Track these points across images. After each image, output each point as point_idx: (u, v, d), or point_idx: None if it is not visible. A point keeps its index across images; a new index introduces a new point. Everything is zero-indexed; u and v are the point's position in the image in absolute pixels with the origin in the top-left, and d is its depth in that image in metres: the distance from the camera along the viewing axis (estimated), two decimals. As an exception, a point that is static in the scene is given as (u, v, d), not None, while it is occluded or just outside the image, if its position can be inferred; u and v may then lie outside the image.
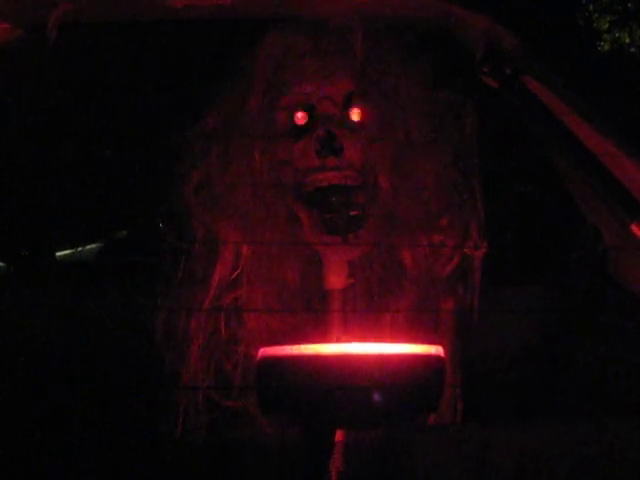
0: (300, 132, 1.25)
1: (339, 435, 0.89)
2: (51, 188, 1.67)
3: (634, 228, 1.29)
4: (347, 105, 1.26)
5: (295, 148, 1.25)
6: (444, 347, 0.87)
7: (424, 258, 1.29)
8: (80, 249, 1.96)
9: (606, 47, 6.88)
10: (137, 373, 1.28)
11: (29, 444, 1.08)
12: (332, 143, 1.20)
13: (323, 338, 1.17)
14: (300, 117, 1.26)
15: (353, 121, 1.26)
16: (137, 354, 1.30)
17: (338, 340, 1.15)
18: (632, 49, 6.88)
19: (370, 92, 1.27)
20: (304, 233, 1.26)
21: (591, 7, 6.88)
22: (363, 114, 1.26)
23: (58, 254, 1.94)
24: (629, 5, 6.88)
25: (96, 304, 1.46)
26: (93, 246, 2.07)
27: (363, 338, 1.11)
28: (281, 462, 0.96)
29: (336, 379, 0.83)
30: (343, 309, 1.23)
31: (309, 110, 1.26)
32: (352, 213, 1.21)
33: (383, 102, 1.28)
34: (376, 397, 0.83)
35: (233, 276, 1.28)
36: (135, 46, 1.52)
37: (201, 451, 1.15)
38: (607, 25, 6.90)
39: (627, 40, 6.92)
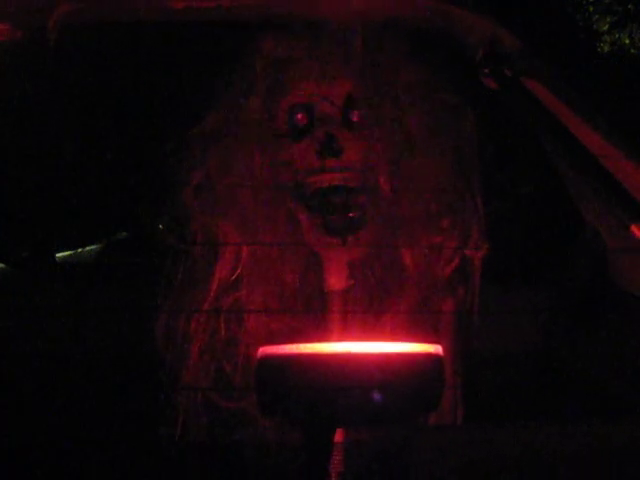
0: (300, 133, 1.25)
1: (339, 435, 0.89)
2: (52, 189, 1.67)
3: (634, 229, 1.29)
4: (347, 106, 1.26)
5: (295, 149, 1.25)
6: (444, 348, 0.87)
7: (424, 259, 1.29)
8: (80, 250, 1.96)
9: (606, 48, 6.88)
10: (137, 374, 1.28)
11: (29, 445, 1.08)
12: (332, 144, 1.20)
13: (323, 339, 1.17)
14: (300, 118, 1.26)
15: (353, 122, 1.26)
16: (137, 355, 1.30)
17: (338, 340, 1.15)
18: (632, 50, 6.88)
19: (370, 93, 1.27)
20: (304, 234, 1.26)
21: (591, 8, 6.88)
22: (363, 115, 1.26)
23: (58, 255, 1.94)
24: (629, 6, 6.88)
25: (96, 305, 1.46)
26: (93, 247, 2.07)
27: (363, 339, 1.11)
28: (281, 462, 0.96)
29: (335, 378, 0.83)
30: (343, 310, 1.23)
31: (309, 111, 1.26)
32: (351, 215, 1.21)
33: (383, 103, 1.28)
34: (376, 396, 0.84)
35: (233, 277, 1.28)
36: (135, 47, 1.53)
37: (201, 452, 1.15)
38: (607, 26, 6.90)
39: (627, 41, 6.92)
